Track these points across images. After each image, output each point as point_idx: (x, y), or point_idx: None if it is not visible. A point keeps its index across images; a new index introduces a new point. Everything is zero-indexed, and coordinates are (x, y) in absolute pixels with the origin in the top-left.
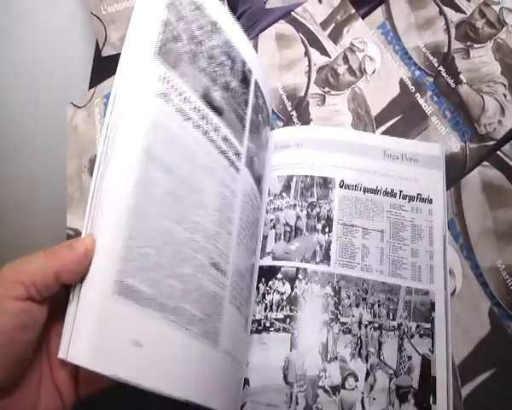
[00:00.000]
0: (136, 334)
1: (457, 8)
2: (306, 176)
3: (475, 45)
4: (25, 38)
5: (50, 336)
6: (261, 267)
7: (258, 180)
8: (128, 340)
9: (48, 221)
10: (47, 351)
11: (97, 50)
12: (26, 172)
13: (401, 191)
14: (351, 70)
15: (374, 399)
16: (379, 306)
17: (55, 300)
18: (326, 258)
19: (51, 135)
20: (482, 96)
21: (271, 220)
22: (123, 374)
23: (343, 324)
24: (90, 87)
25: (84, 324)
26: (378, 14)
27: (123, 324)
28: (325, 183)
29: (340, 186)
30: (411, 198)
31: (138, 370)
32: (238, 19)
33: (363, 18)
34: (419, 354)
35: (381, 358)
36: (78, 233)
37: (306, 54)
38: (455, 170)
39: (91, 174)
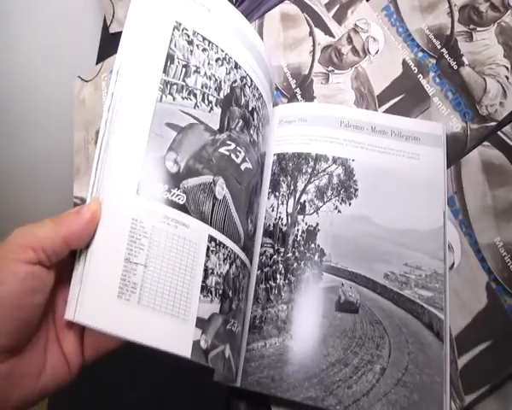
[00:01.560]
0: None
1: None
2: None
3: (478, 28)
4: (34, 15)
5: (56, 303)
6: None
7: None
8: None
9: (55, 193)
10: (53, 317)
11: (105, 27)
12: (35, 145)
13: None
14: (354, 50)
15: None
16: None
17: (61, 267)
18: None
19: (59, 108)
20: (484, 78)
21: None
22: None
23: None
24: (98, 62)
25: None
26: None
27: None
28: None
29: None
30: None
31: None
32: (244, 0)
33: (367, 0)
34: None
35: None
36: (84, 201)
37: (311, 34)
38: (455, 149)
39: None
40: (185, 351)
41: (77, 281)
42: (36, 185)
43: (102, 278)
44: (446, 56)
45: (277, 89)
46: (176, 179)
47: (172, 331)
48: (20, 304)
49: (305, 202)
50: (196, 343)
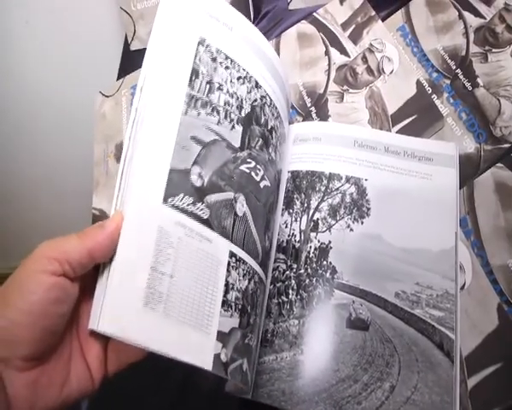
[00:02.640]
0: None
1: (477, 13)
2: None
3: (494, 50)
4: (59, 31)
5: (80, 315)
6: None
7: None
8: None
9: (74, 205)
10: (77, 329)
11: (126, 44)
12: (56, 157)
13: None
14: (369, 70)
15: None
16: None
17: (85, 280)
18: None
19: (81, 122)
20: (499, 100)
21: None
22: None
23: None
24: (118, 78)
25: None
26: (398, 16)
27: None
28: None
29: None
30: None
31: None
32: (262, 18)
33: (382, 20)
34: None
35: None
36: (102, 213)
37: (327, 53)
38: (469, 170)
39: (117, 159)
40: (207, 364)
41: (101, 290)
42: (56, 197)
43: (128, 286)
44: (461, 77)
45: (293, 107)
46: (200, 193)
47: (195, 344)
48: (46, 313)
49: (318, 219)
50: (217, 356)
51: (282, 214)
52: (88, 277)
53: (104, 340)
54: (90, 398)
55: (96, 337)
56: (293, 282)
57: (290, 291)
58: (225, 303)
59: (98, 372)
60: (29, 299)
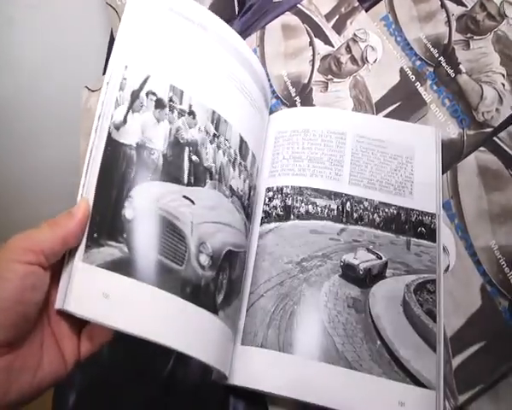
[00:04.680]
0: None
1: (459, 2)
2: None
3: (475, 37)
4: (42, 25)
5: (50, 301)
6: None
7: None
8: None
9: (61, 199)
10: (47, 314)
11: (112, 39)
12: (42, 153)
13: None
14: (353, 59)
15: None
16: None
17: (54, 268)
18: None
19: (67, 117)
20: (481, 86)
21: None
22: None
23: None
24: (104, 72)
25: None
26: (381, 6)
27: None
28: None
29: None
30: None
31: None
32: (247, 11)
33: (366, 11)
34: None
35: None
36: None
37: (311, 44)
38: (452, 155)
39: None
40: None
41: (67, 272)
42: (42, 194)
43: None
44: (444, 64)
45: (277, 97)
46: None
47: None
48: (21, 300)
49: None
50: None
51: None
52: (56, 264)
53: (77, 324)
54: (77, 391)
55: (69, 322)
56: None
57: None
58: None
59: (71, 356)
60: (4, 286)
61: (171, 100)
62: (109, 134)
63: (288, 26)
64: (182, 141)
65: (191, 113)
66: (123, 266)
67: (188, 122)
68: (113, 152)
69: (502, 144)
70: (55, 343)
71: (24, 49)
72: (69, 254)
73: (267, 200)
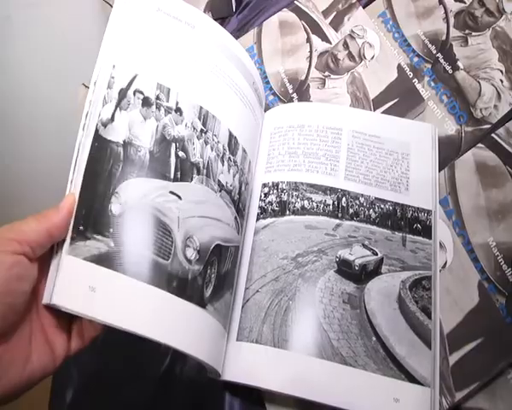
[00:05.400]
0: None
1: None
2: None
3: (474, 33)
4: (40, 23)
5: (39, 295)
6: None
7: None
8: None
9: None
10: (37, 308)
11: None
12: (39, 150)
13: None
14: (350, 56)
15: None
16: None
17: (43, 264)
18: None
19: (64, 114)
20: (479, 82)
21: None
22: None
23: None
24: None
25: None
26: (379, 3)
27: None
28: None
29: None
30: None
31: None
32: (244, 8)
33: (364, 7)
34: None
35: None
36: None
37: (308, 40)
38: (450, 152)
39: None
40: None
41: (54, 266)
42: (41, 191)
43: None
44: (441, 61)
45: (275, 94)
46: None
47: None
48: (8, 291)
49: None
50: None
51: None
52: (46, 259)
53: (66, 318)
54: (75, 387)
55: (58, 316)
56: None
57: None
58: None
59: (61, 350)
60: None
61: (157, 98)
62: (97, 131)
63: (286, 23)
64: (168, 137)
65: (178, 110)
66: (109, 260)
67: (174, 119)
68: (100, 149)
69: (500, 141)
70: (44, 337)
71: (21, 47)
72: (57, 247)
73: (263, 195)
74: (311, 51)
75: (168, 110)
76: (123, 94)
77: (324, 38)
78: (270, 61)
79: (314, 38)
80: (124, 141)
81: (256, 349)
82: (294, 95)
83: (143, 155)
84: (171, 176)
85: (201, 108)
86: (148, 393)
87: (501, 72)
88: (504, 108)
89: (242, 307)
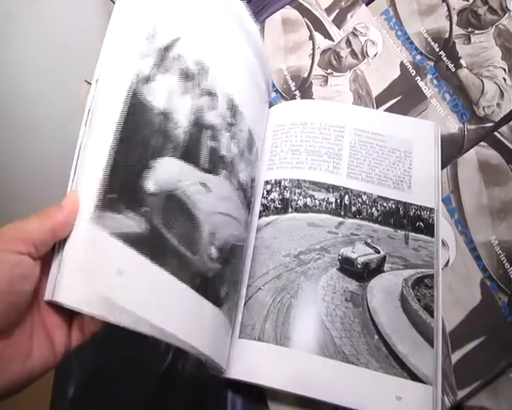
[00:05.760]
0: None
1: None
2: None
3: (476, 31)
4: (43, 19)
5: (40, 293)
6: None
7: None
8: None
9: (59, 193)
10: (38, 304)
11: None
12: (41, 147)
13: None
14: (353, 53)
15: None
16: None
17: (44, 260)
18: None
19: (66, 111)
20: (482, 80)
21: None
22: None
23: None
24: None
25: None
26: (382, 0)
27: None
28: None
29: None
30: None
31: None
32: (247, 3)
33: (367, 5)
34: None
35: None
36: None
37: (311, 38)
38: (453, 150)
39: None
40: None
41: (56, 263)
42: (42, 189)
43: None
44: (444, 59)
45: (277, 91)
46: None
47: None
48: (11, 290)
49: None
50: None
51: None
52: (46, 257)
53: (67, 314)
54: (77, 383)
55: (59, 312)
56: None
57: None
58: None
59: (61, 346)
60: None
61: (197, 73)
62: (131, 88)
63: (288, 20)
64: (203, 122)
65: (213, 94)
66: (140, 243)
67: (208, 104)
68: (137, 108)
69: (502, 139)
70: (45, 333)
71: (23, 44)
72: (58, 245)
73: (265, 193)
74: (313, 49)
75: (203, 92)
76: (163, 55)
77: (327, 36)
78: (272, 58)
79: (317, 35)
80: (163, 109)
81: (258, 347)
82: (297, 92)
83: (180, 133)
84: (203, 165)
85: (233, 100)
86: (149, 390)
87: (504, 70)
88: (507, 106)
89: (245, 304)
